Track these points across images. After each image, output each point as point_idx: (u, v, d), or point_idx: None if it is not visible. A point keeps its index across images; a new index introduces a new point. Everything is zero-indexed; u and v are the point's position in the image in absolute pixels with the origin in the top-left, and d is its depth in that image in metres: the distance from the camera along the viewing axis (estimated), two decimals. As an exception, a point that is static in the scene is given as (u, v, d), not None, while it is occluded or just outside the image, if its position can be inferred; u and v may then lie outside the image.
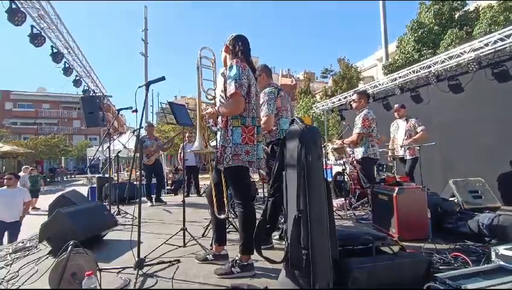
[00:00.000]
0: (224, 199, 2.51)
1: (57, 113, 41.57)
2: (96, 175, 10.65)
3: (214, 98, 2.55)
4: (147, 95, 2.59)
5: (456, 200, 3.85)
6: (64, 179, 28.60)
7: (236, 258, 2.33)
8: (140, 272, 2.33)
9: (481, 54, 5.59)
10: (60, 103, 42.00)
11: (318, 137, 1.92)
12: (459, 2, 14.23)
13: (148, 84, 2.59)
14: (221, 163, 2.35)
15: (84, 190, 6.96)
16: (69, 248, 2.02)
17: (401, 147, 5.28)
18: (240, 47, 2.44)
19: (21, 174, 9.89)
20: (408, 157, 5.24)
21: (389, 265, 1.94)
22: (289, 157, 1.96)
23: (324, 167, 2.15)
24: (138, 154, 2.61)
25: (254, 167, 2.40)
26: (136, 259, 2.35)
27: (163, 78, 2.55)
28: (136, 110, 3.01)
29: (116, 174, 7.48)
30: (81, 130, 40.34)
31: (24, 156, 23.90)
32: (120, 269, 2.49)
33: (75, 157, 36.06)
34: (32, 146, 27.03)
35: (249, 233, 2.29)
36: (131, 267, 2.40)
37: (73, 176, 30.96)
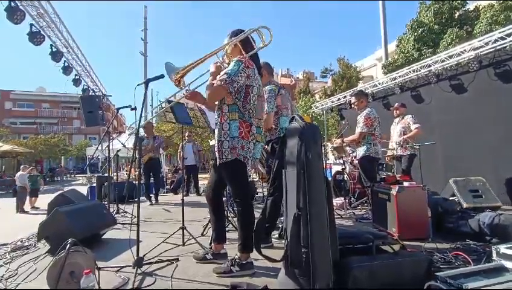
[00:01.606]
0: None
1: (56, 112, 41.54)
2: (96, 174, 10.63)
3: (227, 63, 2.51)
4: (146, 93, 2.58)
5: (456, 200, 3.83)
6: (64, 178, 28.55)
7: (236, 257, 2.32)
8: (139, 271, 2.32)
9: (481, 53, 5.58)
10: (60, 103, 41.96)
11: (318, 135, 1.90)
12: (459, 1, 14.23)
13: (147, 82, 2.57)
14: (220, 158, 2.34)
15: (83, 189, 6.93)
16: (67, 246, 2.00)
17: (399, 144, 5.26)
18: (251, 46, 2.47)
19: (20, 173, 9.88)
20: (401, 153, 5.23)
21: (389, 264, 1.93)
22: (289, 155, 1.95)
23: (324, 165, 2.13)
24: (137, 153, 2.60)
25: (248, 164, 2.37)
26: (135, 258, 2.33)
27: (162, 76, 2.53)
28: (135, 108, 2.99)
29: (115, 174, 7.46)
30: (80, 130, 40.36)
31: (24, 155, 23.87)
32: (119, 268, 2.48)
33: (75, 157, 36.06)
34: (31, 146, 27.03)
35: (248, 231, 2.28)
36: (130, 265, 2.39)
37: (72, 176, 30.92)
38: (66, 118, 41.79)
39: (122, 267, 2.49)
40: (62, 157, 33.35)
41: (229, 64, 2.40)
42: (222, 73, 2.29)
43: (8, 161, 23.54)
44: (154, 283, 2.22)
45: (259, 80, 2.47)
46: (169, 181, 10.94)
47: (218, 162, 2.37)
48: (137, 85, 2.60)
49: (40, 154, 29.20)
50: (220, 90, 2.27)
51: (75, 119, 41.46)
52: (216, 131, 2.40)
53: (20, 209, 8.93)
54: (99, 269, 2.17)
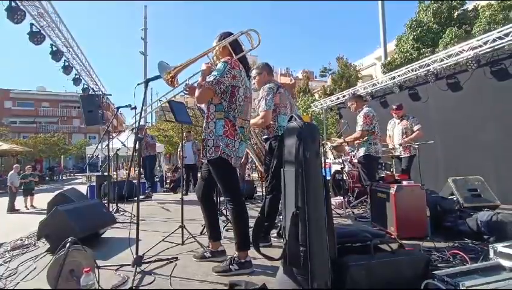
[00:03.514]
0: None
1: (56, 111, 41.45)
2: (95, 173, 10.63)
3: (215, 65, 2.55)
4: (145, 93, 2.59)
5: (455, 199, 3.84)
6: (64, 177, 28.52)
7: (234, 255, 2.33)
8: (138, 270, 2.33)
9: (480, 53, 5.58)
10: (60, 102, 41.87)
11: (316, 134, 1.91)
12: (457, 0, 14.20)
13: (147, 82, 2.59)
14: (204, 155, 2.37)
15: (83, 188, 6.93)
16: (67, 245, 2.01)
17: (400, 145, 5.27)
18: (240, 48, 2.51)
19: (11, 172, 9.86)
20: (404, 155, 5.24)
21: (387, 263, 1.94)
22: (287, 154, 1.96)
23: (323, 165, 2.14)
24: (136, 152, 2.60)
25: (231, 162, 2.37)
26: (134, 256, 2.35)
27: (161, 76, 2.54)
28: (135, 107, 3.01)
29: (115, 173, 7.47)
30: (80, 129, 40.28)
31: (23, 154, 23.84)
32: (118, 267, 2.49)
33: (75, 156, 36.03)
34: (31, 145, 26.95)
35: (243, 229, 2.31)
36: (130, 264, 2.40)
37: (72, 175, 30.88)
38: (66, 117, 41.67)
39: (122, 265, 2.51)
40: (62, 156, 33.30)
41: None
42: (212, 73, 2.34)
43: (7, 160, 23.47)
44: (153, 281, 2.23)
45: (246, 82, 2.50)
46: (168, 180, 10.95)
47: (204, 160, 2.41)
48: (138, 84, 2.61)
49: (40, 153, 29.12)
50: (208, 92, 2.32)
51: (74, 118, 41.33)
52: (204, 127, 2.44)
53: (8, 208, 8.90)
54: (98, 267, 2.18)
